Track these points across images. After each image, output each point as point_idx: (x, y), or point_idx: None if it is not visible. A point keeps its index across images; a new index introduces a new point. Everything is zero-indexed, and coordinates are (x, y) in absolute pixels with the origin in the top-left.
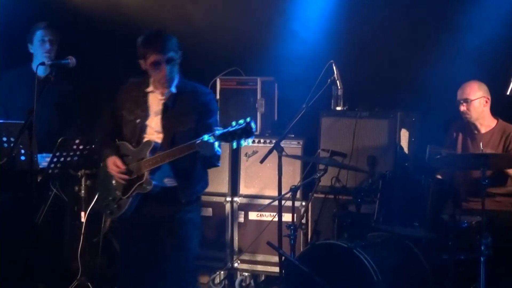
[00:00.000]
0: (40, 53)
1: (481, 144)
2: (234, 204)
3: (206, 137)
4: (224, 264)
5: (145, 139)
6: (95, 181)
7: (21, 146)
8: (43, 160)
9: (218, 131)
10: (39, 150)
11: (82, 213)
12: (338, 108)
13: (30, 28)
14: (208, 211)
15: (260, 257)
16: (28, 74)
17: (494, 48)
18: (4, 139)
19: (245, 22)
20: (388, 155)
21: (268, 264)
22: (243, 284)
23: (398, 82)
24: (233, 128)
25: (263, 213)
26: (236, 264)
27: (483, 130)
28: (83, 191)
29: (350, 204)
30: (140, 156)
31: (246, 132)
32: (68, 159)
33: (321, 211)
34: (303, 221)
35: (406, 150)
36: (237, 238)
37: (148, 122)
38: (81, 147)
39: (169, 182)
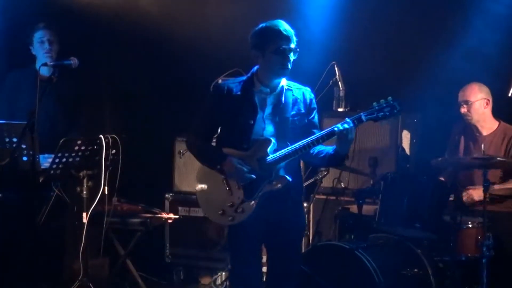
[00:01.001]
0: (41, 53)
1: (482, 146)
2: None
3: (348, 120)
4: (226, 265)
5: (259, 138)
6: (97, 182)
7: (23, 146)
8: (45, 160)
9: (364, 113)
10: (41, 151)
11: (84, 214)
12: (340, 109)
13: (28, 31)
14: None
15: (262, 258)
16: (32, 75)
17: (497, 49)
18: (7, 139)
19: (246, 23)
20: (390, 157)
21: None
22: None
23: (400, 83)
24: (380, 107)
25: None
26: None
27: (484, 132)
28: (85, 192)
29: (351, 205)
30: (259, 155)
31: (394, 107)
32: (70, 159)
33: (323, 212)
34: (305, 222)
35: (407, 151)
36: None
37: (257, 121)
38: (83, 147)
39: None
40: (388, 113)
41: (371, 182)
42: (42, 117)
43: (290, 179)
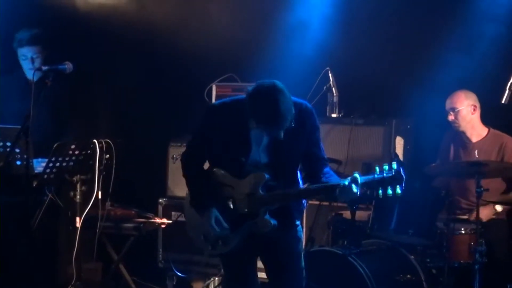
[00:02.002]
0: (25, 67)
1: (476, 152)
2: None
3: (346, 182)
4: (218, 271)
5: (252, 171)
6: (91, 186)
7: (17, 150)
8: (39, 165)
9: (361, 177)
10: (35, 155)
11: (77, 218)
12: (334, 115)
13: (14, 44)
14: None
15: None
16: (24, 79)
17: (490, 56)
18: (0, 143)
19: (241, 29)
20: (383, 163)
21: (263, 270)
22: None
23: (393, 89)
24: (380, 177)
25: None
26: None
27: (474, 139)
28: (78, 197)
29: (344, 211)
30: (248, 191)
31: (396, 180)
32: (64, 164)
33: (316, 218)
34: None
35: (401, 157)
36: None
37: (251, 156)
38: (76, 152)
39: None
40: (388, 180)
41: (365, 188)
42: (36, 121)
43: (275, 224)
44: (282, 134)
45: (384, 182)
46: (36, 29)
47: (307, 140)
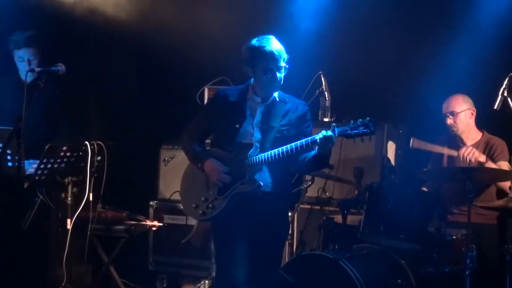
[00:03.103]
0: (21, 69)
1: (467, 158)
2: None
3: (326, 132)
4: (209, 274)
5: (242, 141)
6: (82, 188)
7: (8, 152)
8: (30, 166)
9: (338, 128)
10: (26, 156)
11: (68, 220)
12: (326, 119)
13: (11, 45)
14: (194, 220)
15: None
16: (17, 80)
17: (482, 61)
18: None
19: (233, 32)
20: (375, 167)
21: None
22: None
23: (385, 94)
24: (355, 125)
25: None
26: None
27: (468, 142)
28: (69, 198)
29: (336, 215)
30: (239, 158)
31: (367, 127)
32: (55, 166)
33: (307, 222)
34: (289, 231)
35: (392, 162)
36: None
37: (245, 126)
38: (68, 154)
39: (266, 187)
40: (361, 132)
41: (356, 192)
42: (28, 122)
43: (261, 184)
44: (284, 66)
45: (356, 129)
46: (32, 31)
47: (297, 129)
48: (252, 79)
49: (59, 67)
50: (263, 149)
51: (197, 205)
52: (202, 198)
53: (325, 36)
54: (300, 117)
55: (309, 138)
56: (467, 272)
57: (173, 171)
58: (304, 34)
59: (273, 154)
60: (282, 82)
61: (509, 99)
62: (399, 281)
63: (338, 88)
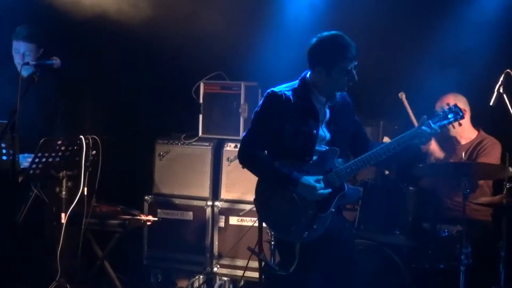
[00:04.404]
0: (15, 60)
1: (463, 154)
2: (215, 209)
3: (428, 128)
4: (203, 269)
5: (322, 148)
6: (77, 182)
7: (3, 145)
8: (25, 160)
9: (432, 121)
10: (21, 150)
11: (63, 214)
12: None
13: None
14: (189, 215)
15: (239, 262)
16: (13, 73)
17: (478, 57)
18: None
19: (230, 27)
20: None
21: (248, 269)
22: None
23: (380, 90)
24: (445, 113)
25: (244, 218)
26: (215, 269)
27: (463, 141)
28: (64, 192)
29: None
30: (327, 167)
31: (456, 114)
32: (50, 160)
33: None
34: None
35: None
36: (217, 243)
37: (320, 131)
38: (63, 148)
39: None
40: (453, 119)
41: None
42: (23, 116)
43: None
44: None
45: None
46: (36, 27)
47: (354, 121)
48: (310, 75)
49: (54, 61)
50: (340, 155)
51: (296, 229)
52: (302, 219)
53: (320, 32)
54: (351, 107)
55: (398, 139)
56: (462, 268)
57: (168, 165)
58: (299, 29)
59: (369, 158)
60: None
61: (504, 95)
62: (394, 277)
63: None
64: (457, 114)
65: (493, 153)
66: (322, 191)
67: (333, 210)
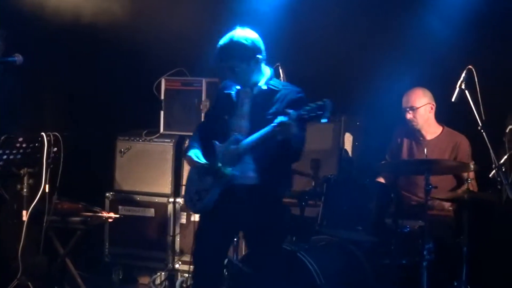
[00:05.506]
0: None
1: (425, 150)
2: (177, 205)
3: (282, 118)
4: (165, 265)
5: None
6: (38, 179)
7: None
8: None
9: (293, 112)
10: None
11: (24, 212)
12: None
13: None
14: (150, 212)
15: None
16: None
17: (440, 53)
18: None
19: (191, 22)
20: (332, 159)
21: None
22: (184, 285)
23: (343, 86)
24: (309, 107)
25: None
26: (177, 265)
27: (428, 137)
28: (25, 190)
29: (294, 207)
30: (223, 150)
31: (323, 109)
32: (11, 157)
33: None
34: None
35: (350, 153)
36: (178, 239)
37: (235, 118)
38: (24, 145)
39: (251, 179)
40: (316, 115)
41: (313, 184)
42: None
43: (237, 173)
44: (235, 64)
45: (312, 112)
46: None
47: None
48: None
49: (16, 58)
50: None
51: (191, 197)
52: (194, 190)
53: (283, 27)
54: (285, 106)
55: (269, 126)
56: (424, 264)
57: (129, 162)
58: (262, 24)
59: (246, 143)
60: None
61: (466, 91)
62: (357, 273)
63: (296, 80)
64: (323, 110)
65: (468, 153)
66: (198, 164)
67: (213, 189)
